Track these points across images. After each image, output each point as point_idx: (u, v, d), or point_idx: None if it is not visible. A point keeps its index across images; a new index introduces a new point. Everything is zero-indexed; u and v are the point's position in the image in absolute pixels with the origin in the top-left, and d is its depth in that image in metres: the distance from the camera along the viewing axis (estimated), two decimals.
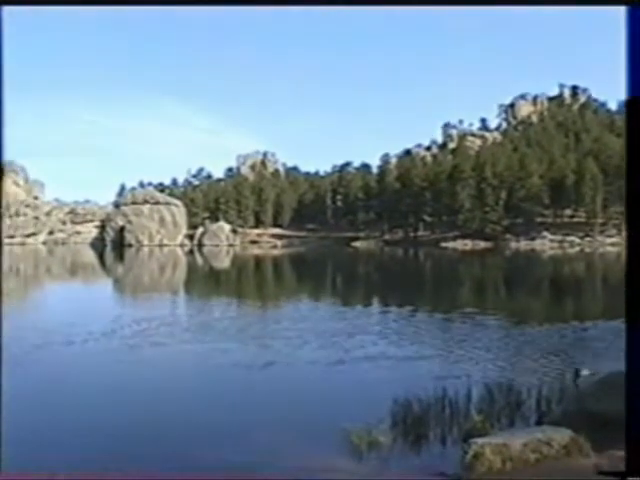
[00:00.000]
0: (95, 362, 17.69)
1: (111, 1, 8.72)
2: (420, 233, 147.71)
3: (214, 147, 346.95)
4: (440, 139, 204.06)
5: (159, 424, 11.73)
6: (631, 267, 6.63)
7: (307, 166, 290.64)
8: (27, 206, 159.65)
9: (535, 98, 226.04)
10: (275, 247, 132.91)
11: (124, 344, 19.80)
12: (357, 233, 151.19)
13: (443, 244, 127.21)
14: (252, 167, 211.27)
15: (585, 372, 12.75)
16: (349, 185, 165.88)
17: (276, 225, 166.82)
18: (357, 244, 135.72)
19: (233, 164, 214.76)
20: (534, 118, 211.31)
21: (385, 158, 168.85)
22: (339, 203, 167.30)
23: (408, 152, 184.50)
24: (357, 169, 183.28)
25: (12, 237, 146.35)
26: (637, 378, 6.49)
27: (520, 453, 7.82)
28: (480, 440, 8.14)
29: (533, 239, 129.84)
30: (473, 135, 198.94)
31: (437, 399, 11.18)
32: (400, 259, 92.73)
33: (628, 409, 6.62)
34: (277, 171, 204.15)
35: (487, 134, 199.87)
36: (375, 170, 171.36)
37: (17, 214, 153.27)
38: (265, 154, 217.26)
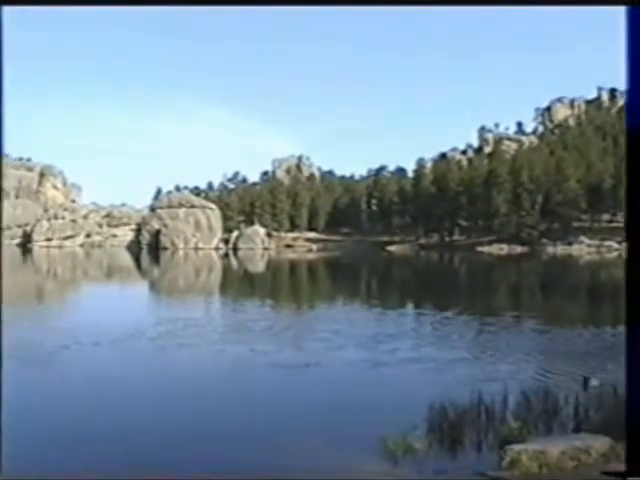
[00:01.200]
0: (134, 361, 17.84)
1: (112, 1, 8.70)
2: (456, 237, 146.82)
3: (250, 151, 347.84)
4: (476, 143, 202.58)
5: (192, 426, 11.74)
6: (631, 269, 6.77)
7: (342, 170, 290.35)
8: (65, 209, 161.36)
9: (572, 101, 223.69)
10: (310, 251, 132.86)
11: (161, 344, 19.96)
12: (392, 237, 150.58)
13: (479, 248, 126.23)
14: (287, 171, 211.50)
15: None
16: (384, 189, 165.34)
17: (311, 229, 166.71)
18: (392, 248, 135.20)
19: (268, 168, 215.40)
20: (571, 122, 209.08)
21: (420, 162, 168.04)
22: (374, 207, 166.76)
23: (444, 156, 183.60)
24: (392, 173, 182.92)
25: (50, 240, 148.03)
26: (637, 378, 6.62)
27: (558, 460, 7.73)
28: (517, 446, 8.06)
29: (570, 244, 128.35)
30: (509, 139, 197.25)
31: (473, 404, 11.09)
32: (435, 263, 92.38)
33: (628, 409, 6.78)
34: (312, 175, 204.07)
35: (523, 138, 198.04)
36: (410, 174, 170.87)
37: (55, 217, 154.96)
38: (300, 158, 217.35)
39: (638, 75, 6.85)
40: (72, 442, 10.87)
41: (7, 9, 6.69)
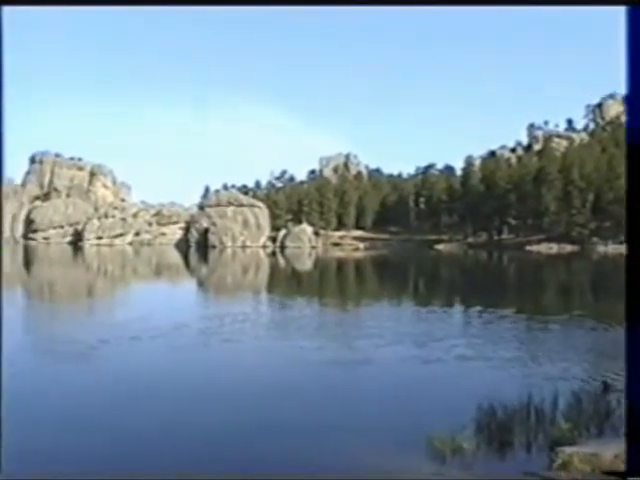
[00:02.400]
0: (183, 357, 17.93)
1: (113, 1, 8.73)
2: (504, 236, 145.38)
3: (297, 149, 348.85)
4: (525, 140, 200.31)
5: (240, 422, 11.71)
6: (631, 268, 6.86)
7: (390, 168, 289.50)
8: (115, 208, 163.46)
9: (625, 97, 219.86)
10: (357, 249, 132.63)
11: (210, 340, 20.09)
12: (440, 236, 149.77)
13: (528, 247, 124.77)
14: (335, 169, 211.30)
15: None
16: (432, 187, 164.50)
17: (358, 227, 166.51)
18: (440, 247, 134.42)
19: (316, 166, 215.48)
20: (623, 118, 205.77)
21: (469, 160, 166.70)
22: (422, 205, 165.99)
23: (492, 154, 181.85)
24: (440, 171, 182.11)
25: (100, 238, 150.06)
26: (637, 378, 6.64)
27: (610, 464, 7.53)
28: (568, 449, 7.89)
29: (621, 243, 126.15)
30: (559, 136, 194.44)
31: (523, 404, 10.92)
32: (484, 262, 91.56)
33: (628, 409, 6.84)
34: (360, 173, 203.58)
35: (574, 135, 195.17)
36: (459, 172, 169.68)
37: (105, 216, 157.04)
38: (348, 156, 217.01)
39: (638, 75, 6.80)
40: (118, 437, 10.91)
41: (7, 9, 6.74)
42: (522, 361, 16.69)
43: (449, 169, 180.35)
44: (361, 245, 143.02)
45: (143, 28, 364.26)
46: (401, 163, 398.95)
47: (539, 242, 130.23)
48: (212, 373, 16.12)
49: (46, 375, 15.95)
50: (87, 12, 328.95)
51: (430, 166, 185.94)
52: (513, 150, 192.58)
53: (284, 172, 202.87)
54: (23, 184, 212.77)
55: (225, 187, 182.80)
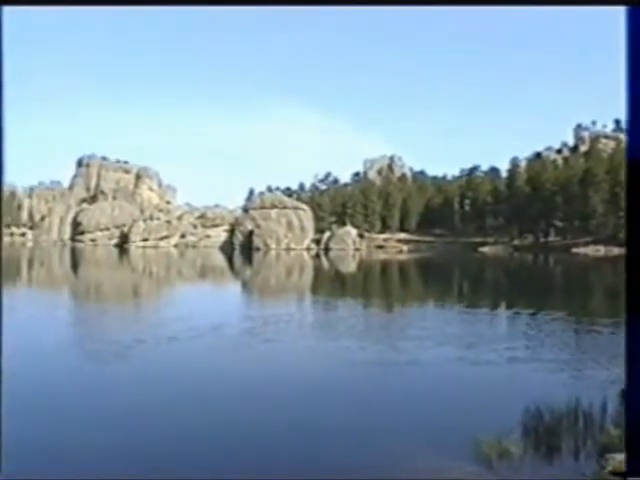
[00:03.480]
0: (226, 357, 17.99)
1: (113, 1, 8.69)
2: (551, 238, 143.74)
3: (341, 151, 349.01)
4: (572, 141, 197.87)
5: (280, 423, 11.64)
6: (631, 266, 6.78)
7: (434, 170, 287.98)
8: (160, 210, 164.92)
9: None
10: (401, 252, 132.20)
11: (254, 340, 20.15)
12: (485, 238, 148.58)
13: (574, 250, 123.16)
14: (379, 171, 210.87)
15: None
16: (477, 189, 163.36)
17: (403, 230, 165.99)
18: (485, 249, 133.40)
19: (360, 169, 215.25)
20: None
21: (514, 161, 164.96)
22: (467, 208, 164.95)
23: (538, 155, 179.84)
24: (485, 173, 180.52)
25: (146, 240, 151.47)
26: (637, 378, 6.58)
27: None
28: (618, 456, 7.65)
29: None
30: (606, 137, 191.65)
31: (571, 409, 10.68)
32: (530, 265, 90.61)
33: (628, 409, 6.85)
34: (404, 175, 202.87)
35: (622, 136, 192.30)
36: (504, 174, 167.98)
37: (151, 218, 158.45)
38: (392, 158, 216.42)
39: (638, 76, 6.83)
40: (154, 437, 10.90)
41: (7, 9, 6.75)
42: (571, 364, 16.42)
43: (494, 171, 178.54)
44: (405, 248, 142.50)
45: (181, 29, 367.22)
46: (445, 165, 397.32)
47: (586, 244, 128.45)
48: (255, 373, 16.11)
49: (84, 375, 16.05)
50: (127, 13, 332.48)
51: (475, 168, 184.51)
52: (559, 151, 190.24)
53: (328, 174, 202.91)
54: (70, 187, 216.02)
55: (269, 189, 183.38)
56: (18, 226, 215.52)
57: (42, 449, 10.34)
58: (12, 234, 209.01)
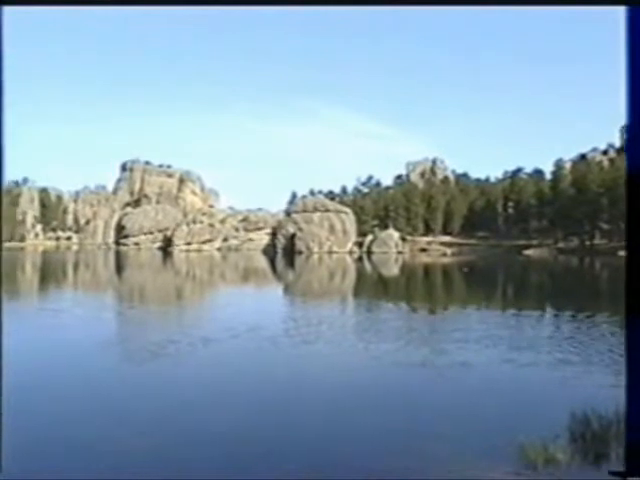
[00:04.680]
0: (271, 357, 18.01)
1: (114, 1, 8.62)
2: (596, 241, 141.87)
3: (383, 154, 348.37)
4: (618, 142, 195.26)
5: (317, 425, 11.55)
6: (631, 266, 6.95)
7: (477, 172, 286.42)
8: (203, 214, 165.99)
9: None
10: (444, 255, 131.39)
11: (298, 341, 20.20)
12: (529, 241, 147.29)
13: (621, 253, 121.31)
14: (421, 174, 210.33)
15: None
16: (521, 191, 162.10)
17: (446, 233, 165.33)
18: (529, 252, 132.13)
19: (402, 171, 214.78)
20: None
21: (559, 163, 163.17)
22: (510, 210, 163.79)
23: (583, 157, 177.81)
24: (529, 175, 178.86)
25: (189, 244, 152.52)
26: (637, 378, 6.72)
27: None
28: None
29: None
30: None
31: (620, 415, 10.40)
32: (575, 268, 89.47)
33: (628, 409, 6.93)
34: (447, 178, 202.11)
35: None
36: (548, 176, 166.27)
37: (194, 222, 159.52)
38: (434, 161, 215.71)
39: (638, 76, 6.77)
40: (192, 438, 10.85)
41: (7, 9, 6.73)
42: (620, 368, 16.09)
43: (538, 173, 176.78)
44: (448, 251, 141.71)
45: (222, 30, 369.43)
46: (489, 167, 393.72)
47: None
48: (300, 375, 16.14)
49: (126, 373, 16.19)
50: (161, 15, 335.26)
51: (519, 170, 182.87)
52: (605, 152, 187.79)
53: (370, 177, 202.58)
54: (114, 191, 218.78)
55: (312, 193, 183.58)
56: (64, 230, 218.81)
57: (74, 443, 10.39)
58: (58, 238, 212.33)
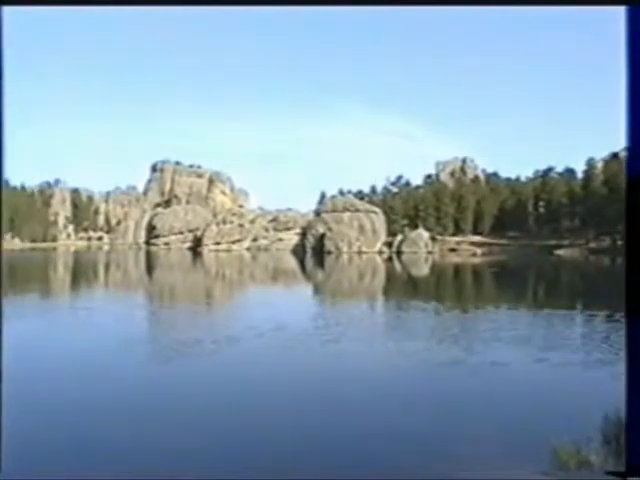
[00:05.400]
0: (301, 357, 18.05)
1: (114, 1, 8.60)
2: None
3: (412, 154, 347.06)
4: None
5: (347, 426, 11.47)
6: (630, 264, 6.92)
7: (508, 172, 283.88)
8: (233, 214, 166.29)
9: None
10: (474, 255, 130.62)
11: (328, 340, 20.12)
12: (560, 241, 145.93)
13: None
14: (451, 174, 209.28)
15: None
16: (552, 191, 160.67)
17: (476, 233, 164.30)
18: (560, 252, 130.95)
19: (432, 171, 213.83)
20: None
21: (591, 162, 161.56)
22: (541, 210, 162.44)
23: (615, 155, 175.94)
24: (560, 174, 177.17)
25: (219, 244, 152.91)
26: (637, 378, 6.82)
27: None
28: None
29: None
30: None
31: None
32: (607, 268, 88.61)
33: (628, 409, 7.04)
34: (477, 177, 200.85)
35: None
36: (580, 175, 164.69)
37: (224, 222, 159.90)
38: (464, 160, 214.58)
39: (638, 76, 6.77)
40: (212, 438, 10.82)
41: (7, 9, 6.74)
42: None
43: (570, 172, 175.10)
44: (478, 250, 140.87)
45: (252, 30, 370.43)
46: (519, 166, 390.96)
47: None
48: (332, 373, 16.14)
49: (141, 373, 16.26)
50: (193, 15, 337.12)
51: (550, 169, 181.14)
52: None
53: (400, 177, 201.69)
54: (145, 192, 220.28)
55: (341, 193, 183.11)
56: (95, 230, 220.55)
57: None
58: (89, 238, 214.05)
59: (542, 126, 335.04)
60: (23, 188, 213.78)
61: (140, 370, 16.44)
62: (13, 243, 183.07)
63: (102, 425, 11.67)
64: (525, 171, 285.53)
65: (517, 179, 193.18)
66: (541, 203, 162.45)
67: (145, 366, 16.93)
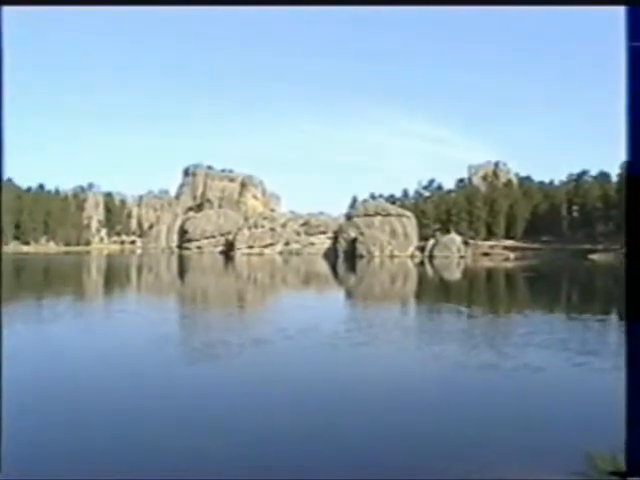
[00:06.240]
0: (337, 359, 17.98)
1: (113, 1, 8.57)
2: None
3: (444, 157, 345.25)
4: None
5: (374, 428, 11.37)
6: (630, 267, 6.99)
7: (541, 175, 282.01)
8: (265, 218, 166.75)
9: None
10: (507, 259, 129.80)
11: (359, 342, 20.06)
12: (595, 245, 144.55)
13: None
14: (484, 177, 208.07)
15: None
16: (586, 195, 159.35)
17: (508, 237, 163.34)
18: (595, 257, 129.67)
19: (464, 175, 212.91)
20: None
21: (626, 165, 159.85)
22: (575, 214, 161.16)
23: None
24: (595, 178, 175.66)
25: (251, 247, 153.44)
26: (637, 378, 6.82)
27: None
28: None
29: None
30: None
31: None
32: None
33: (628, 409, 6.99)
34: (510, 181, 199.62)
35: None
36: (615, 179, 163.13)
37: (255, 226, 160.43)
38: (497, 164, 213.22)
39: (638, 77, 6.80)
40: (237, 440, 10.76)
41: (7, 9, 6.72)
42: None
43: (604, 175, 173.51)
44: (511, 255, 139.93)
45: (283, 34, 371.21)
46: (552, 170, 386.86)
47: None
48: (368, 375, 16.15)
49: (164, 375, 16.34)
50: (220, 16, 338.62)
51: (583, 173, 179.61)
52: None
53: (432, 181, 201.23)
54: (177, 196, 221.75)
55: (373, 197, 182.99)
56: (128, 234, 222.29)
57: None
58: (122, 242, 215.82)
59: (578, 129, 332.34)
60: (57, 192, 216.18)
61: (166, 370, 16.55)
62: (48, 247, 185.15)
63: (126, 424, 11.72)
64: (558, 175, 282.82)
65: (550, 183, 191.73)
66: (575, 207, 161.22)
67: (164, 368, 17.03)
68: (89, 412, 12.46)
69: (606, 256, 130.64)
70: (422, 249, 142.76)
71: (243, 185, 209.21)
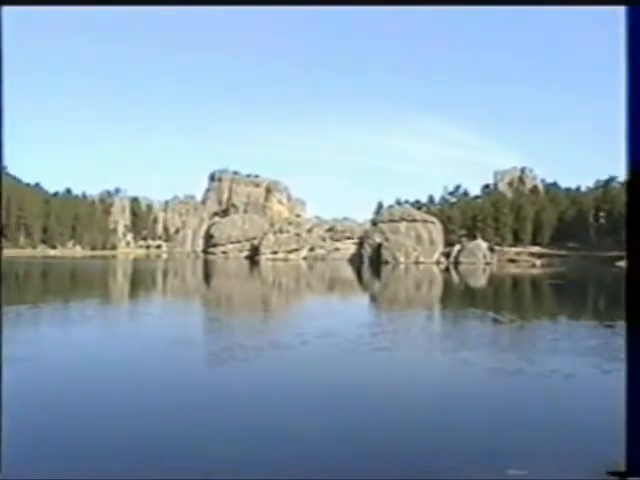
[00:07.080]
0: (364, 364, 17.89)
1: (113, 1, 8.62)
2: None
3: (470, 163, 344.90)
4: None
5: (394, 435, 11.27)
6: (631, 271, 6.95)
7: (567, 181, 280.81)
8: (290, 223, 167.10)
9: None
10: (533, 266, 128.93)
11: (383, 347, 20.01)
12: (622, 252, 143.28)
13: None
14: (510, 183, 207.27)
15: None
16: (614, 201, 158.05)
17: (535, 243, 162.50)
18: (622, 264, 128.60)
19: (490, 181, 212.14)
20: None
21: None
22: (602, 220, 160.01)
23: None
24: (622, 184, 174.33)
25: (276, 253, 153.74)
26: (637, 379, 6.88)
27: None
28: None
29: None
30: None
31: None
32: None
33: (628, 409, 7.03)
34: (536, 187, 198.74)
35: None
36: None
37: (281, 231, 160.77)
38: (523, 170, 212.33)
39: (639, 77, 6.91)
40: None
41: (7, 9, 6.74)
42: None
43: None
44: (538, 261, 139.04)
45: (311, 39, 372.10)
46: (579, 176, 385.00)
47: None
48: (394, 380, 16.08)
49: (177, 377, 16.37)
50: (246, 15, 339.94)
51: (611, 179, 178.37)
52: None
53: (458, 187, 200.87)
54: (203, 201, 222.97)
55: (398, 202, 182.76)
56: (154, 238, 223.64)
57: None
58: (148, 246, 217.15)
59: (605, 134, 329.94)
60: (84, 196, 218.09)
61: (171, 374, 16.63)
62: (74, 250, 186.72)
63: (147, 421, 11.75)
64: (586, 181, 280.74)
65: (577, 189, 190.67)
66: (602, 214, 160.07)
67: (178, 371, 17.09)
68: (108, 412, 12.53)
69: None
70: (447, 255, 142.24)
71: (268, 190, 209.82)
